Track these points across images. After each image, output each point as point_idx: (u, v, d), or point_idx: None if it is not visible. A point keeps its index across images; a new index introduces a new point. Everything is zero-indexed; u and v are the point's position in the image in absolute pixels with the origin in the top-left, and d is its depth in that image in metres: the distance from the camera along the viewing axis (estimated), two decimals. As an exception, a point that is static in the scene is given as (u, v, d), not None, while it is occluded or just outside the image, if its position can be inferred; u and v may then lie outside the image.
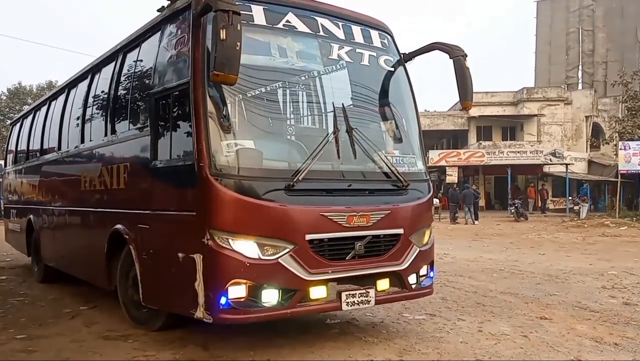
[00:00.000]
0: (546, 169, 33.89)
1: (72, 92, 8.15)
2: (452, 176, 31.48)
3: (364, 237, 5.16)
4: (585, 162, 37.05)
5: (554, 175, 34.37)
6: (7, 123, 27.50)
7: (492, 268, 10.82)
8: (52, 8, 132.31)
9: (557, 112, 37.77)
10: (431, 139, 39.84)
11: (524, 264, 11.44)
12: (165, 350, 5.19)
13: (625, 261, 12.07)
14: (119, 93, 6.40)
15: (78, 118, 7.50)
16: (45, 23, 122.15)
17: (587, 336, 5.90)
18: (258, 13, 5.11)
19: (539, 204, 33.39)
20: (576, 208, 27.88)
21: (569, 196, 32.40)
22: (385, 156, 5.59)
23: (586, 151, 38.19)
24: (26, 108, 15.50)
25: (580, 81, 50.88)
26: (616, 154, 28.09)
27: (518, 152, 33.40)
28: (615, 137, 30.68)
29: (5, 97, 44.65)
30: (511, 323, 6.40)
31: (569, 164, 32.91)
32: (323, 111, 5.72)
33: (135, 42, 6.22)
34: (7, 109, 43.63)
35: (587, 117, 38.86)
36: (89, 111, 7.23)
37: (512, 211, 26.82)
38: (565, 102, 38.18)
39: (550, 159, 32.46)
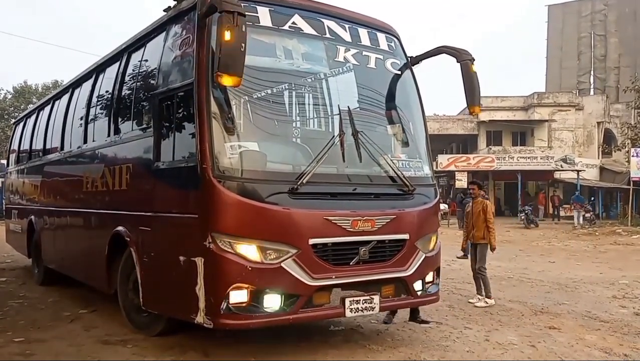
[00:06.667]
0: (557, 175, 33.52)
1: (76, 92, 8.11)
2: (462, 181, 31.21)
3: (368, 242, 5.08)
4: (597, 169, 36.66)
5: (565, 181, 33.99)
6: (12, 122, 27.51)
7: (500, 276, 10.65)
8: (59, 7, 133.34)
9: (568, 117, 37.39)
10: (440, 143, 39.62)
11: (533, 273, 11.28)
12: (164, 356, 5.12)
13: (637, 271, 11.88)
14: (122, 93, 6.36)
15: (81, 118, 7.46)
16: (52, 22, 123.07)
17: (597, 346, 5.79)
18: (264, 14, 5.07)
19: (550, 211, 33.07)
20: (588, 215, 27.58)
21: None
22: (391, 160, 5.51)
23: (598, 158, 37.80)
24: (30, 107, 15.46)
25: (592, 86, 50.45)
26: (628, 161, 27.75)
27: (528, 157, 33.08)
28: (628, 143, 30.31)
29: (10, 96, 44.57)
30: (519, 332, 6.29)
31: (581, 170, 32.56)
32: (328, 114, 5.66)
33: (139, 42, 6.19)
34: (12, 108, 43.44)
35: (598, 123, 38.46)
36: (92, 111, 7.19)
37: (522, 217, 26.55)
38: (577, 108, 37.79)
39: (561, 165, 32.11)
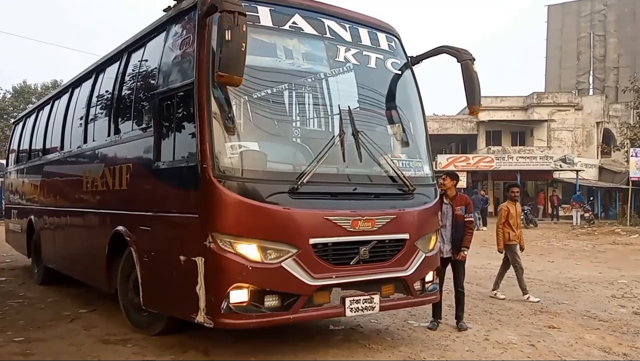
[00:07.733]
0: (556, 175, 33.58)
1: (76, 91, 8.10)
2: (461, 181, 31.27)
3: (368, 242, 5.08)
4: (596, 169, 36.69)
5: (564, 181, 34.03)
6: (11, 122, 27.40)
7: (500, 275, 10.66)
8: (59, 6, 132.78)
9: (567, 117, 37.43)
10: (440, 143, 39.64)
11: (532, 272, 11.28)
12: (165, 355, 5.12)
13: (635, 270, 11.90)
14: (122, 93, 6.35)
15: (81, 118, 7.44)
16: (51, 21, 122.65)
17: (596, 346, 5.81)
18: (264, 14, 5.07)
19: (549, 211, 33.11)
20: (587, 215, 27.60)
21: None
22: (392, 160, 5.52)
23: (597, 158, 37.82)
24: (29, 107, 15.41)
25: (591, 86, 50.41)
26: (627, 161, 27.78)
27: (528, 157, 33.12)
28: (627, 143, 30.35)
29: (9, 96, 44.38)
30: (518, 331, 6.30)
31: (580, 170, 32.62)
32: (329, 114, 5.65)
33: (140, 42, 6.18)
34: (12, 108, 43.16)
35: (598, 123, 38.49)
36: (92, 111, 7.18)
37: (522, 217, 26.54)
38: (576, 108, 37.82)
39: (561, 165, 32.15)
